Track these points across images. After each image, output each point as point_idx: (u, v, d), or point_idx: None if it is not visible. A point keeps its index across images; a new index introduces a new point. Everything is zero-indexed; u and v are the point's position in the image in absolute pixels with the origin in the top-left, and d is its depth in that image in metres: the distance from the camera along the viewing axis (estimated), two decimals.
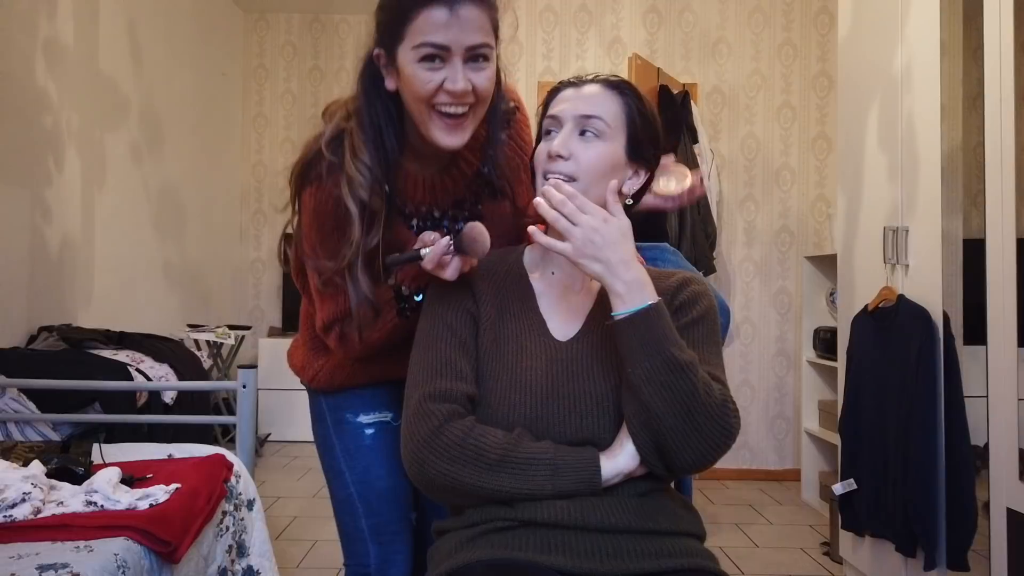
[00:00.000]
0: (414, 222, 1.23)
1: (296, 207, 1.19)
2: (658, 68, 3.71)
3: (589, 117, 1.07)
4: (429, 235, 1.09)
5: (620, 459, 1.00)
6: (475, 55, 1.07)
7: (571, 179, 1.06)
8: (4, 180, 2.76)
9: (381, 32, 1.10)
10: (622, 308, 0.98)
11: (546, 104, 1.14)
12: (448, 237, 1.06)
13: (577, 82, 1.13)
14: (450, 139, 1.10)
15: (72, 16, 3.17)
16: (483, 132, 1.20)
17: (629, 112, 1.10)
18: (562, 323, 1.11)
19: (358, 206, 1.10)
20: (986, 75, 1.82)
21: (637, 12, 4.07)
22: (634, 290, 0.97)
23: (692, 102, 3.77)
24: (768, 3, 4.07)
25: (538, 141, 1.14)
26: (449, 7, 1.03)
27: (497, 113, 1.19)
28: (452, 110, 1.08)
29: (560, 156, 1.06)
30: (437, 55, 1.05)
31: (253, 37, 5.12)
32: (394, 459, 1.30)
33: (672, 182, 1.25)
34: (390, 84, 1.12)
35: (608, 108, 1.08)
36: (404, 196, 1.20)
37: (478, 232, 1.05)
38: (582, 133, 1.07)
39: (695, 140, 3.69)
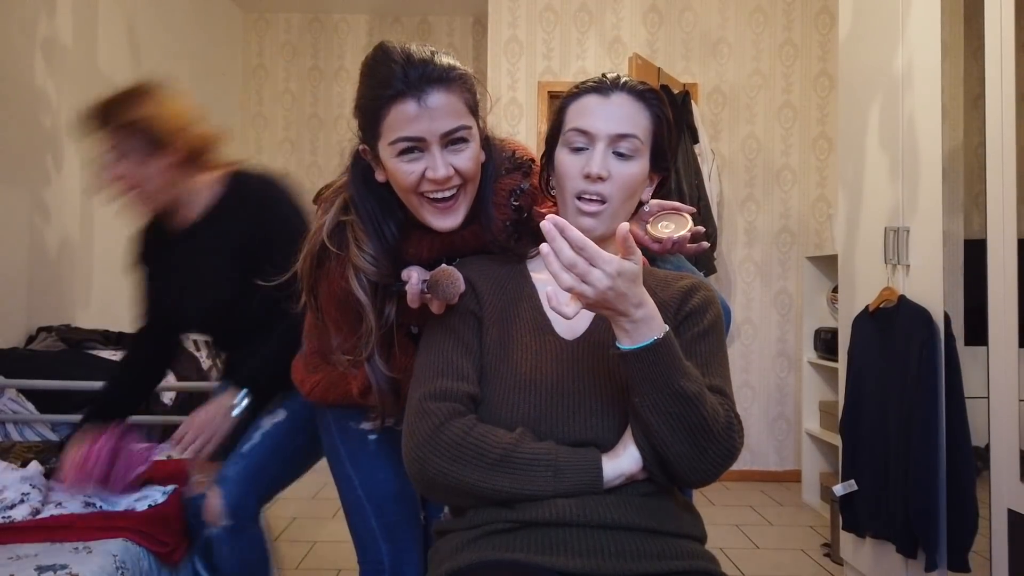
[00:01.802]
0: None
1: (314, 295, 1.19)
2: (658, 68, 3.71)
3: (624, 136, 1.06)
4: (408, 272, 1.10)
5: (623, 460, 0.99)
6: (452, 139, 1.06)
7: (604, 200, 1.06)
8: (3, 180, 2.76)
9: (362, 130, 1.11)
10: (628, 344, 0.93)
11: (563, 106, 1.12)
12: (417, 276, 1.08)
13: (601, 88, 1.09)
14: (443, 222, 1.10)
15: (71, 16, 3.17)
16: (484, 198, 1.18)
17: (657, 124, 1.09)
18: (569, 323, 1.10)
19: (368, 294, 1.11)
20: (987, 75, 1.82)
21: (637, 12, 4.06)
22: (641, 326, 0.93)
23: (692, 102, 3.76)
24: (769, 3, 4.07)
25: (550, 142, 1.13)
26: (417, 99, 1.02)
27: (489, 184, 1.17)
28: (440, 195, 1.08)
29: (601, 178, 1.04)
30: (414, 147, 1.05)
31: (252, 37, 5.11)
32: (399, 462, 1.31)
33: (671, 227, 1.24)
34: (380, 176, 1.12)
35: (640, 124, 1.07)
36: (417, 257, 1.19)
37: (445, 277, 1.06)
38: (616, 152, 1.06)
39: (695, 140, 3.68)
